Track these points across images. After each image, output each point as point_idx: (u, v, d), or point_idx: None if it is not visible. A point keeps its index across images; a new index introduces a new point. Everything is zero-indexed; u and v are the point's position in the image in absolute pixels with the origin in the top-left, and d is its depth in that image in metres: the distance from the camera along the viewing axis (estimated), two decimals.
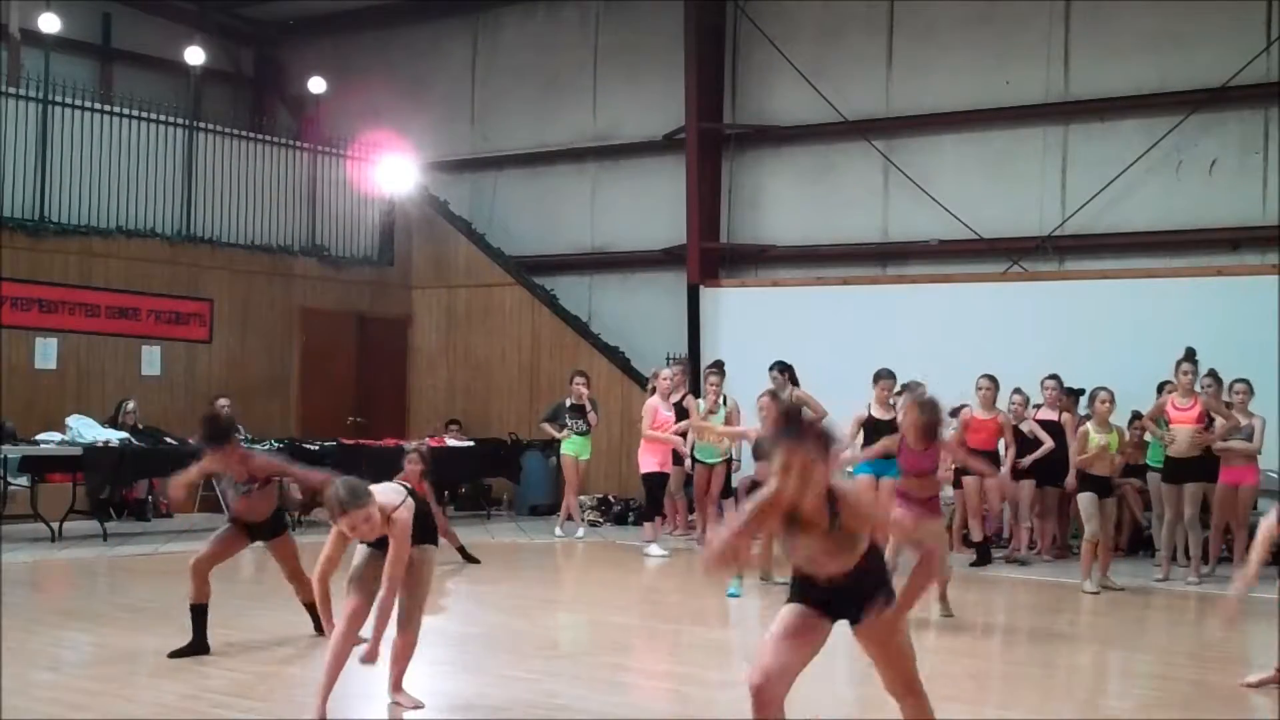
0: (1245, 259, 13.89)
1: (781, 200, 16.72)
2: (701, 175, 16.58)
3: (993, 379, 12.18)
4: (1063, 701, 6.92)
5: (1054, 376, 12.55)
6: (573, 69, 18.21)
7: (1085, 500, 10.55)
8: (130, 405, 14.30)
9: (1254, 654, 7.78)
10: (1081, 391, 12.41)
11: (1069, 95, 14.84)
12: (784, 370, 13.02)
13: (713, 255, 16.69)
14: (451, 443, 15.95)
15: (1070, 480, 11.00)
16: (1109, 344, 13.35)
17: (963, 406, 12.24)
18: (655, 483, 12.94)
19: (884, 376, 11.70)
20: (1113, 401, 10.81)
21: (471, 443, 16.14)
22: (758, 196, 16.87)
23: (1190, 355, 11.30)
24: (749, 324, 15.65)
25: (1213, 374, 11.75)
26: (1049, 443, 12.17)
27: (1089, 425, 10.81)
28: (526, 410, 17.14)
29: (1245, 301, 13.01)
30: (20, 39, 16.65)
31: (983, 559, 12.09)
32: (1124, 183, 14.38)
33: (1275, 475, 12.06)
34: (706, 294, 16.35)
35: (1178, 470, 11.30)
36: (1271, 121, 13.81)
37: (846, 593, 4.44)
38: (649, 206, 17.44)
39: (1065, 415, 12.32)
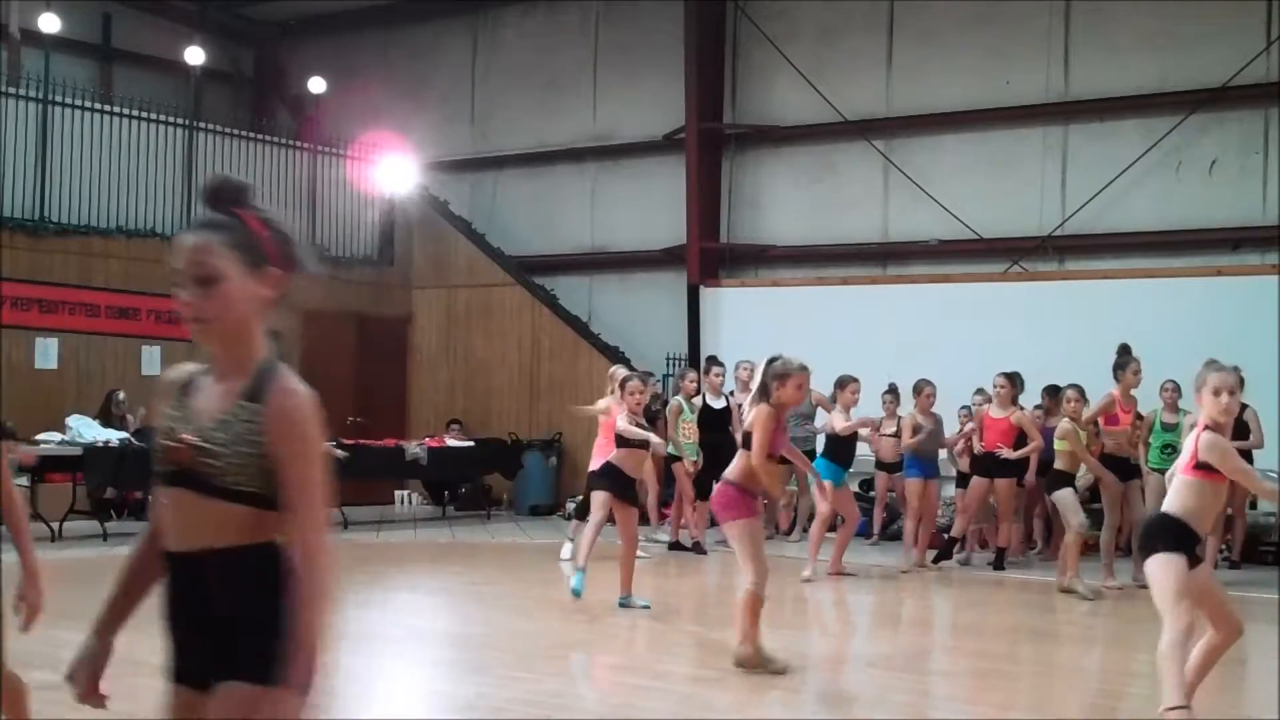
0: (1245, 259, 13.90)
1: (781, 200, 16.72)
2: (701, 175, 16.58)
3: (1009, 377, 11.82)
4: (1062, 701, 6.91)
5: (1075, 386, 12.12)
6: (573, 69, 18.22)
7: (1066, 496, 10.42)
8: (120, 395, 14.23)
9: (1253, 654, 7.78)
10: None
11: (1069, 95, 14.85)
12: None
13: (713, 255, 16.69)
14: (451, 443, 15.95)
15: (1031, 477, 11.36)
16: (1109, 344, 13.29)
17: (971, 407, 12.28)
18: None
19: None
20: (1081, 400, 10.71)
21: (471, 443, 16.15)
22: (758, 196, 16.87)
23: (1128, 350, 10.72)
24: (749, 324, 15.63)
25: (1236, 370, 11.64)
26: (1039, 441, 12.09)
27: (1064, 421, 10.78)
28: (526, 410, 17.14)
29: (1245, 301, 13.00)
30: (20, 39, 16.66)
31: (945, 554, 12.03)
32: (1124, 183, 14.38)
33: (1275, 474, 12.03)
34: (706, 294, 16.36)
35: (1117, 469, 10.80)
36: (1271, 121, 13.81)
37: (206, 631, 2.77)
38: (649, 206, 17.44)
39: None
